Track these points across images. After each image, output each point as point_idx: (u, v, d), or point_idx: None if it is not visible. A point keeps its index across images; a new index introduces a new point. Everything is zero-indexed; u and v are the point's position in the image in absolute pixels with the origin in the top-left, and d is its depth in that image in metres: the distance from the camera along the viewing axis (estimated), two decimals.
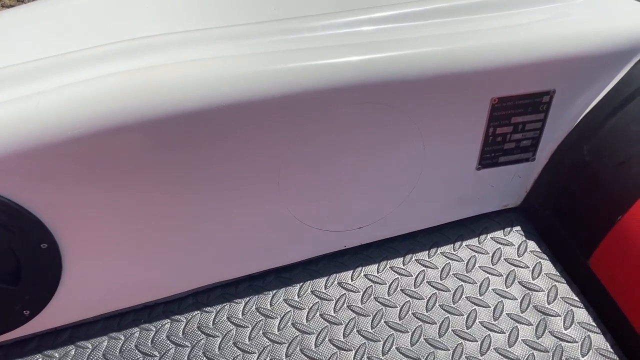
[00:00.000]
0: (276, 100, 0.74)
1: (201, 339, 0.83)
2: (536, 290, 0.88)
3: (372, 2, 0.86)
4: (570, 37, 0.80)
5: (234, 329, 0.84)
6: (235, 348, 0.82)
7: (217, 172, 0.77)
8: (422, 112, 0.82)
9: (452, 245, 0.94)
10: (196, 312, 0.86)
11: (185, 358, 0.81)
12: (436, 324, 0.85)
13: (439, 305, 0.87)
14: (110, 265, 0.81)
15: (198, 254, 0.86)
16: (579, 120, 0.87)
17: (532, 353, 0.81)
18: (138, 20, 0.85)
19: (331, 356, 0.81)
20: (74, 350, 0.82)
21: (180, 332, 0.84)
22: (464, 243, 0.95)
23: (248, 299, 0.88)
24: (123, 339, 0.83)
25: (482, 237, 0.96)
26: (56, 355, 0.81)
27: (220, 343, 0.83)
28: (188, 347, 0.82)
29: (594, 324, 0.84)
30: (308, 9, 0.85)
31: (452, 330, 0.84)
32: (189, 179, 0.77)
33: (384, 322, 0.85)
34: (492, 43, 0.80)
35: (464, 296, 0.88)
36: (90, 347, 0.82)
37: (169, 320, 0.85)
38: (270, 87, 0.74)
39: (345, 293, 0.89)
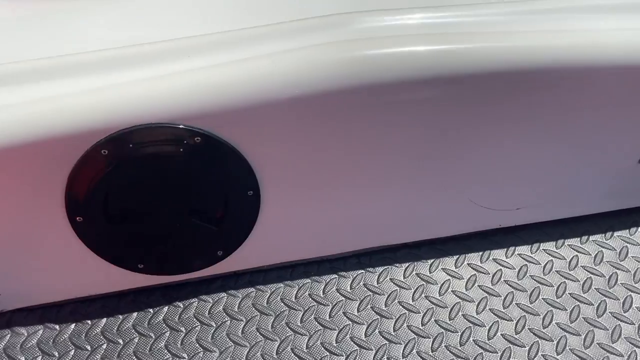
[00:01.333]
0: (465, 78, 0.80)
1: (368, 295, 0.90)
2: None
3: None
4: None
5: (397, 290, 0.90)
6: (400, 306, 0.89)
7: (400, 145, 0.84)
8: (594, 101, 0.86)
9: (603, 235, 0.98)
10: (361, 271, 0.93)
11: (356, 310, 0.88)
12: (593, 305, 0.88)
13: (595, 288, 0.90)
14: (295, 219, 0.89)
15: (367, 218, 0.92)
16: None
17: None
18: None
19: (493, 323, 0.86)
20: (254, 292, 0.90)
21: (348, 286, 0.91)
22: (616, 233, 0.98)
23: (408, 264, 0.94)
24: (297, 287, 0.91)
25: (633, 229, 0.98)
26: (239, 295, 0.90)
27: (386, 300, 0.89)
28: (357, 300, 0.89)
29: None
30: None
31: (609, 312, 0.87)
32: (377, 148, 0.83)
33: (542, 298, 0.89)
34: None
35: (619, 282, 0.91)
36: (269, 291, 0.90)
37: (336, 276, 0.92)
38: (458, 66, 0.80)
39: (500, 269, 0.94)
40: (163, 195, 0.79)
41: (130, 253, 0.84)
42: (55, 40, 0.80)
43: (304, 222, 0.90)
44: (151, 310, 0.87)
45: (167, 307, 0.88)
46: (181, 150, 0.75)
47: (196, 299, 0.89)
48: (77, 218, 0.77)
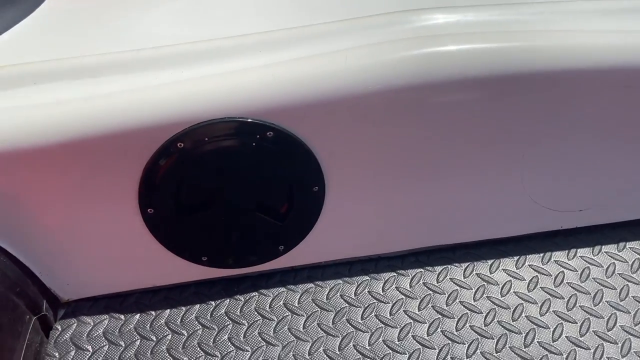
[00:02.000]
0: (538, 77, 0.79)
1: (428, 294, 0.89)
2: None
3: None
4: None
5: (458, 290, 0.90)
6: (461, 306, 0.88)
7: (472, 144, 0.83)
8: None
9: None
10: (419, 270, 0.92)
11: (416, 309, 0.87)
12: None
13: None
14: (355, 217, 0.89)
15: (427, 217, 0.92)
16: None
17: None
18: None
19: (557, 325, 0.85)
20: (313, 288, 0.90)
21: (408, 285, 0.91)
22: None
23: (467, 264, 0.93)
24: (356, 284, 0.91)
25: None
26: (298, 290, 0.90)
27: (447, 299, 0.89)
28: (417, 299, 0.89)
29: None
30: None
31: None
32: (446, 147, 0.83)
33: (605, 301, 0.88)
34: None
35: None
36: (328, 287, 0.91)
37: (395, 274, 0.92)
38: (533, 64, 0.79)
39: (562, 271, 0.92)
40: (232, 189, 0.80)
41: (196, 245, 0.85)
42: (128, 35, 0.82)
43: (364, 220, 0.90)
44: (213, 302, 0.88)
45: (228, 300, 0.88)
46: (253, 144, 0.75)
47: (256, 293, 0.89)
48: (149, 210, 0.78)
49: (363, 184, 0.85)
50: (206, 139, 0.73)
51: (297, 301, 0.88)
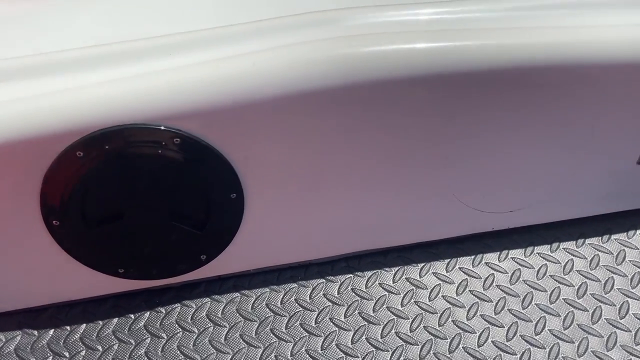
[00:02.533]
0: (456, 78, 0.77)
1: (355, 300, 0.87)
2: None
3: None
4: None
5: (386, 295, 0.88)
6: (388, 312, 0.86)
7: (397, 147, 0.81)
8: (591, 101, 0.83)
9: (600, 238, 0.95)
10: (349, 276, 0.90)
11: (342, 316, 0.85)
12: (588, 311, 0.85)
13: (590, 294, 0.87)
14: (280, 222, 0.86)
15: (355, 222, 0.90)
16: None
17: None
18: None
19: (483, 330, 0.84)
20: (239, 297, 0.88)
21: (336, 291, 0.89)
22: (613, 237, 0.95)
23: (397, 268, 0.91)
24: (283, 292, 0.89)
25: (631, 232, 0.95)
26: (223, 300, 0.87)
27: (374, 305, 0.87)
28: (344, 306, 0.87)
29: None
30: None
31: (604, 319, 0.85)
32: (368, 151, 0.81)
33: (535, 304, 0.87)
34: None
35: (615, 287, 0.88)
36: (254, 296, 0.88)
37: (323, 280, 0.90)
38: (451, 65, 0.77)
39: (492, 273, 0.91)
40: (142, 199, 0.77)
41: (110, 257, 0.81)
42: (31, 39, 0.78)
43: (290, 225, 0.88)
44: (132, 315, 0.85)
45: (148, 313, 0.85)
46: (159, 152, 0.72)
47: (179, 304, 0.86)
48: (54, 222, 0.75)
49: (284, 189, 0.83)
50: (106, 147, 0.69)
51: (220, 312, 0.86)
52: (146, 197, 0.77)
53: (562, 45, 0.80)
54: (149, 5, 0.87)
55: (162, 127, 0.71)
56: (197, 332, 0.83)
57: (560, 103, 0.83)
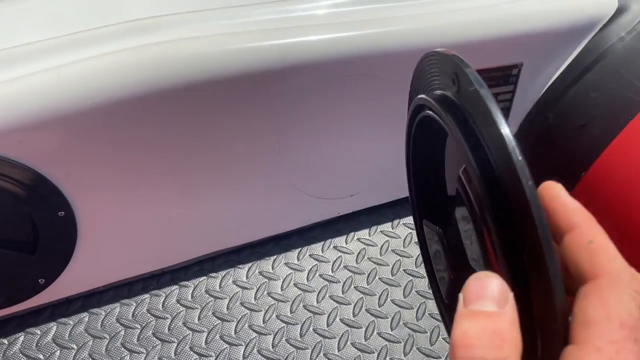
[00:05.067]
0: (274, 73, 0.80)
1: (209, 301, 0.89)
2: None
3: None
4: (535, 14, 0.89)
5: (240, 291, 0.90)
6: (242, 307, 0.88)
7: (222, 144, 0.83)
8: (406, 85, 0.90)
9: None
10: (203, 278, 0.92)
11: (196, 319, 0.86)
12: (425, 278, 0.93)
13: None
14: (122, 234, 0.85)
15: (203, 224, 0.91)
16: (544, 90, 0.97)
17: None
18: (131, 5, 0.90)
19: (332, 310, 0.88)
20: (87, 317, 0.86)
21: (189, 295, 0.89)
22: None
23: (251, 264, 0.94)
24: (135, 304, 0.88)
25: None
26: (70, 322, 0.85)
27: (228, 303, 0.88)
28: (197, 308, 0.87)
29: None
30: None
31: None
32: (195, 151, 0.82)
33: (378, 278, 0.93)
34: (466, 21, 0.89)
35: None
36: (104, 313, 0.86)
37: (177, 287, 0.90)
38: (268, 61, 0.80)
39: (340, 255, 0.96)
40: None
41: None
42: None
43: (133, 236, 0.87)
44: None
45: None
46: None
47: (22, 333, 0.83)
48: None
49: (116, 201, 0.82)
50: None
51: (67, 334, 0.83)
52: None
53: (374, 35, 0.87)
54: None
55: None
56: (42, 358, 0.80)
57: (378, 90, 0.89)
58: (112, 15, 0.84)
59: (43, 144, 0.72)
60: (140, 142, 0.78)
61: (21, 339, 0.82)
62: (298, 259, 0.95)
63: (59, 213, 0.78)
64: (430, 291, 0.90)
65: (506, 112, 0.98)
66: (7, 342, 0.82)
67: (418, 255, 0.95)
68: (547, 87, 0.96)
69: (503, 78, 0.94)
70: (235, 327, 0.85)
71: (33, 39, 0.79)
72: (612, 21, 0.95)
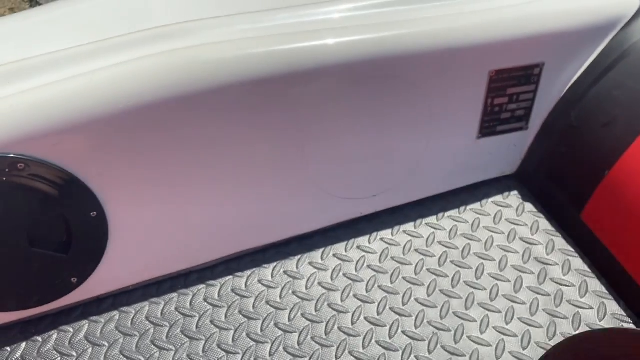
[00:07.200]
0: (298, 76, 0.82)
1: (236, 300, 0.90)
2: (535, 244, 0.97)
3: None
4: (557, 14, 0.90)
5: (265, 290, 0.92)
6: (268, 306, 0.89)
7: (249, 146, 0.85)
8: (429, 85, 0.91)
9: (457, 210, 1.03)
10: (229, 277, 0.93)
11: (223, 317, 0.88)
12: (448, 277, 0.93)
13: (450, 261, 0.95)
14: (151, 234, 0.87)
15: (229, 224, 0.93)
16: (566, 89, 0.97)
17: (536, 297, 0.90)
18: (158, 12, 0.93)
19: (356, 309, 0.89)
20: (118, 315, 0.88)
21: (216, 294, 0.91)
22: (468, 207, 1.04)
23: (276, 263, 0.95)
24: (163, 303, 0.90)
25: (484, 201, 1.05)
26: (102, 320, 0.87)
27: (254, 302, 0.90)
28: (224, 307, 0.89)
29: (589, 270, 0.93)
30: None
31: (463, 281, 0.93)
32: (222, 152, 0.84)
33: (402, 277, 0.93)
34: (488, 21, 0.89)
35: (471, 252, 0.97)
36: (133, 311, 0.88)
37: (204, 286, 0.92)
38: (292, 64, 0.82)
39: (364, 255, 0.97)
40: None
41: None
42: None
43: (161, 237, 0.89)
44: (8, 348, 0.83)
45: (24, 344, 0.83)
46: (4, 178, 0.72)
47: (55, 331, 0.85)
48: None
49: (146, 201, 0.84)
50: None
51: (99, 332, 0.85)
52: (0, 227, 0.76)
53: (397, 37, 0.88)
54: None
55: (1, 154, 0.70)
56: (75, 355, 0.82)
57: (400, 92, 0.90)
58: (140, 22, 0.87)
59: (76, 146, 0.75)
60: (169, 144, 0.80)
61: (54, 336, 0.85)
62: (322, 259, 0.96)
63: (92, 213, 0.80)
64: (454, 290, 0.91)
65: (527, 112, 0.98)
66: (41, 340, 0.84)
67: (441, 254, 0.96)
68: (569, 86, 0.96)
69: (525, 78, 0.95)
70: (262, 325, 0.87)
71: (66, 46, 0.82)
72: (634, 20, 0.95)
